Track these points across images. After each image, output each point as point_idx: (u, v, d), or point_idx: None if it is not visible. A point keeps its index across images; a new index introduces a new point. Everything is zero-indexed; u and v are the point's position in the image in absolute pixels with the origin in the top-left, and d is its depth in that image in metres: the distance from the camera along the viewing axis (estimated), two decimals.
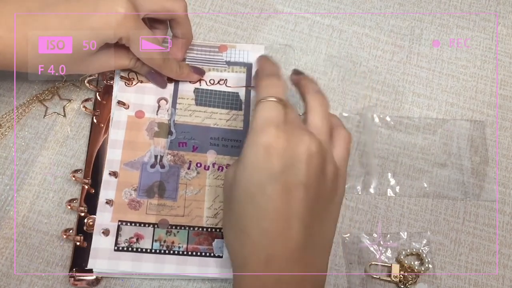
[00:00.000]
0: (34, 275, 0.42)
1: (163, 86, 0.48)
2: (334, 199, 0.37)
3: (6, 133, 0.47)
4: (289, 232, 0.34)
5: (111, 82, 0.48)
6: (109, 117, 0.46)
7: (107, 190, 0.44)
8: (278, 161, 0.34)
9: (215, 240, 0.43)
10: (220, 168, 0.46)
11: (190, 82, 0.49)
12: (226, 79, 0.49)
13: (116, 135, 0.46)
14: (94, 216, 0.43)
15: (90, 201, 0.44)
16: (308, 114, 0.38)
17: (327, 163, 0.36)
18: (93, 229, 0.43)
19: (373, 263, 0.44)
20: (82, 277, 0.42)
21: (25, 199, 0.45)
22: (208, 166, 0.46)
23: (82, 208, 0.43)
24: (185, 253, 0.43)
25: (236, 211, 0.36)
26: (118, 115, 0.46)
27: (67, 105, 0.48)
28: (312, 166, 0.34)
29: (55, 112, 0.48)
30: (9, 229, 0.44)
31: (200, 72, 0.49)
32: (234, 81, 0.49)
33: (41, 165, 0.46)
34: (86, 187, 0.44)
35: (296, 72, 0.44)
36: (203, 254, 0.43)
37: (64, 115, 0.48)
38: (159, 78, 0.47)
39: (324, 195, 0.36)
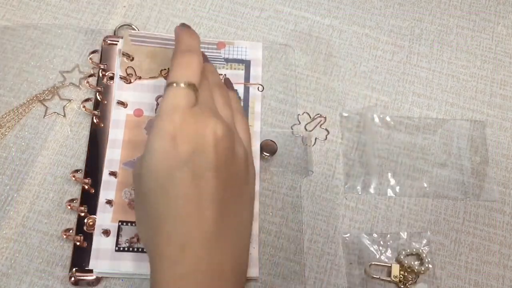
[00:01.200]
0: (34, 275, 0.42)
1: None
2: (247, 180, 0.38)
3: (6, 133, 0.47)
4: (202, 217, 0.33)
5: (111, 82, 0.48)
6: (110, 117, 0.46)
7: (107, 190, 0.44)
8: (184, 148, 0.33)
9: None
10: None
11: None
12: (224, 75, 0.49)
13: (115, 134, 0.46)
14: (94, 216, 0.43)
15: (90, 201, 0.44)
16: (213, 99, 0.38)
17: (236, 145, 0.36)
18: (93, 229, 0.43)
19: (373, 263, 0.44)
20: (82, 277, 0.42)
21: (25, 199, 0.45)
22: None
23: (82, 208, 0.43)
24: None
25: (147, 202, 0.34)
26: (116, 114, 0.46)
27: (67, 105, 0.48)
28: (220, 149, 0.34)
29: (55, 112, 0.48)
30: (9, 229, 0.44)
31: None
32: (233, 78, 0.49)
33: (41, 165, 0.46)
34: (86, 187, 0.44)
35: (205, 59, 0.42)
36: None
37: (64, 115, 0.48)
38: None
39: (237, 177, 0.36)
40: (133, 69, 0.48)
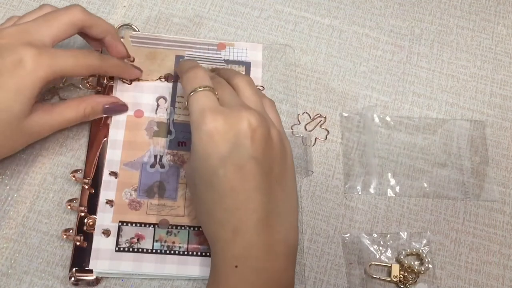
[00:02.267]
0: (34, 275, 0.42)
1: (125, 110, 0.46)
2: (286, 159, 0.39)
3: None
4: (250, 205, 0.35)
5: (111, 82, 0.48)
6: (110, 117, 0.47)
7: (107, 190, 0.44)
8: (223, 144, 0.35)
9: None
10: None
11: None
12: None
13: (115, 135, 0.46)
14: (94, 216, 0.43)
15: (90, 201, 0.44)
16: (239, 91, 0.40)
17: (270, 129, 0.38)
18: (93, 229, 0.43)
19: (373, 263, 0.44)
20: (82, 277, 0.42)
21: (25, 199, 0.45)
22: None
23: (82, 208, 0.43)
24: (186, 253, 0.43)
25: (199, 196, 0.38)
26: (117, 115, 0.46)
27: None
28: (258, 138, 0.36)
29: None
30: (9, 229, 0.44)
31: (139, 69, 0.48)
32: None
33: (41, 165, 0.46)
34: (86, 187, 0.44)
35: (215, 69, 0.47)
36: (204, 254, 0.43)
37: None
38: (119, 107, 0.46)
39: (276, 160, 0.38)
40: None
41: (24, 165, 0.46)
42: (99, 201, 0.44)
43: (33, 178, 0.45)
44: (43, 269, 0.42)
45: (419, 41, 0.54)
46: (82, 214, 0.43)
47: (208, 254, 0.43)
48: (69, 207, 0.43)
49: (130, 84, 0.48)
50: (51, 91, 0.48)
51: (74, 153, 0.47)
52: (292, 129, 0.48)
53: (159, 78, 0.48)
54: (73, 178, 0.44)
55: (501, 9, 0.56)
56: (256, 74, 0.50)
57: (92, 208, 0.44)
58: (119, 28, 0.51)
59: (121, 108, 0.46)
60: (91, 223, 0.43)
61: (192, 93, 0.38)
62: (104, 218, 0.43)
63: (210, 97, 0.38)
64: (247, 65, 0.50)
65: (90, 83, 0.48)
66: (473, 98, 0.52)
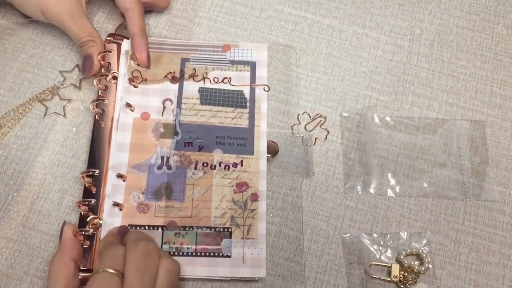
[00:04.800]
0: (34, 275, 0.42)
1: (88, 71, 0.47)
2: None
3: (6, 133, 0.47)
4: None
5: (114, 81, 0.48)
6: (112, 116, 0.46)
7: (116, 194, 0.44)
8: None
9: (223, 240, 0.43)
10: (227, 167, 0.46)
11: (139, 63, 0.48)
12: (230, 78, 0.49)
13: (122, 138, 0.46)
14: (95, 216, 0.43)
15: (90, 200, 0.44)
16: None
17: None
18: (96, 229, 0.42)
19: (373, 263, 0.44)
20: (83, 277, 0.42)
21: (25, 199, 0.45)
22: (215, 166, 0.46)
23: (86, 208, 0.43)
24: (194, 254, 0.43)
25: None
26: (124, 118, 0.46)
27: (67, 105, 0.48)
28: None
29: (55, 112, 0.48)
30: (9, 229, 0.44)
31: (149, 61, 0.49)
32: (238, 79, 0.49)
33: (41, 165, 0.46)
34: (87, 185, 0.44)
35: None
36: (212, 254, 0.43)
37: (64, 115, 0.48)
38: (89, 63, 0.47)
39: None
40: (139, 72, 0.48)
41: (24, 165, 0.46)
42: (105, 204, 0.43)
43: (33, 178, 0.45)
44: (43, 269, 0.42)
45: (419, 41, 0.54)
46: (83, 213, 0.43)
47: (215, 254, 0.43)
48: (78, 207, 0.43)
49: (137, 87, 0.48)
50: (51, 91, 0.48)
51: (74, 153, 0.47)
52: (292, 129, 0.48)
53: (166, 75, 0.48)
54: (82, 179, 0.43)
55: (501, 9, 0.56)
56: (262, 73, 0.50)
57: (91, 208, 0.43)
58: (120, 25, 0.51)
59: (89, 66, 0.47)
60: (95, 223, 0.43)
61: (100, 271, 0.37)
62: (113, 222, 0.43)
63: (114, 283, 0.36)
64: (252, 65, 0.50)
65: (98, 82, 0.47)
66: (473, 98, 0.52)
